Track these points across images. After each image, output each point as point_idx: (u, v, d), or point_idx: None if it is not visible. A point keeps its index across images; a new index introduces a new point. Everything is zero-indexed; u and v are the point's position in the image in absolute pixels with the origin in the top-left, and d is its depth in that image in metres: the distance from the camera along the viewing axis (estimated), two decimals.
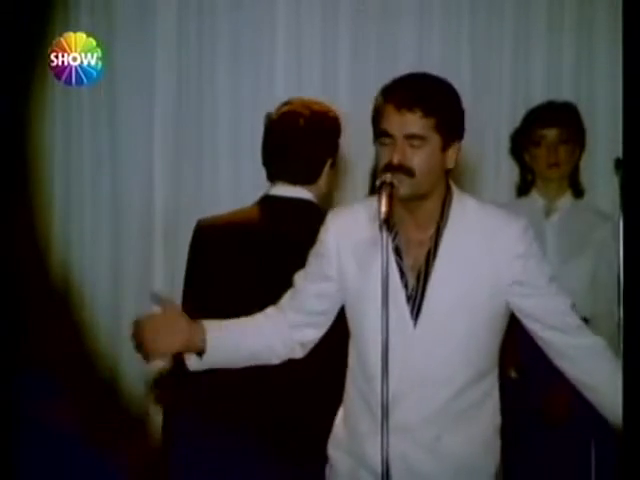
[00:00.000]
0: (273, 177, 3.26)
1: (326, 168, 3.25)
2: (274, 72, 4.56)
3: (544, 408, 3.83)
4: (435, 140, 2.68)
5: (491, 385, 2.80)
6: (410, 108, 2.65)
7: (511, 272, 2.72)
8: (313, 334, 2.89)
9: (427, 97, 2.67)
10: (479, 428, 2.77)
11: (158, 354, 2.77)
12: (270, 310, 2.89)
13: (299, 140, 3.19)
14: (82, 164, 4.57)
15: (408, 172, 2.65)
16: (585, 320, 3.87)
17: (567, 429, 3.85)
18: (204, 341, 2.77)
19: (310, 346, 2.91)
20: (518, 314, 2.78)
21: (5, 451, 3.30)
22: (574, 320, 2.82)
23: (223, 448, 3.13)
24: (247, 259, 3.16)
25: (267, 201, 3.25)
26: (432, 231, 2.75)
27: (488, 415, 2.80)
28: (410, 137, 2.66)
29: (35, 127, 4.41)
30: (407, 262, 2.75)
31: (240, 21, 4.55)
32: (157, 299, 2.76)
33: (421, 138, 2.66)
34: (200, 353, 2.79)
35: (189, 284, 3.26)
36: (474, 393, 2.75)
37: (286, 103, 3.28)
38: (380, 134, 2.69)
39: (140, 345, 2.73)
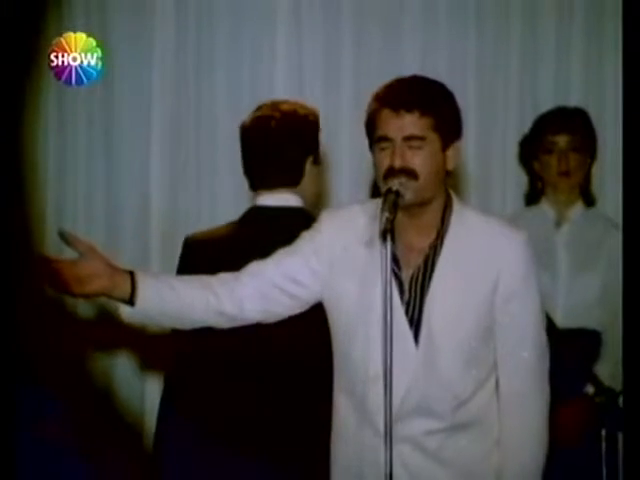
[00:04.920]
0: (255, 187, 3.23)
1: (307, 167, 3.19)
2: (274, 76, 4.51)
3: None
4: (434, 140, 2.66)
5: (489, 396, 2.75)
6: (408, 109, 2.63)
7: (506, 287, 2.69)
8: (266, 309, 2.79)
9: (423, 97, 2.65)
10: (479, 438, 2.74)
11: (79, 296, 2.63)
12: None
13: (272, 143, 3.16)
14: (76, 168, 4.52)
15: (411, 174, 2.62)
16: (596, 333, 3.86)
17: (577, 452, 3.76)
18: (134, 288, 2.63)
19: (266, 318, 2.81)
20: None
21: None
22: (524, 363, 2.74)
23: (216, 454, 3.11)
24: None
25: (254, 212, 3.21)
26: (432, 238, 2.72)
27: (488, 426, 2.75)
28: (409, 139, 2.63)
29: (28, 130, 4.36)
30: (404, 270, 2.71)
31: (240, 22, 4.50)
32: (68, 239, 2.62)
33: (420, 139, 2.64)
34: (132, 302, 2.64)
35: None
36: (474, 405, 2.72)
37: (257, 109, 3.25)
38: (378, 140, 2.67)
39: (57, 287, 2.59)
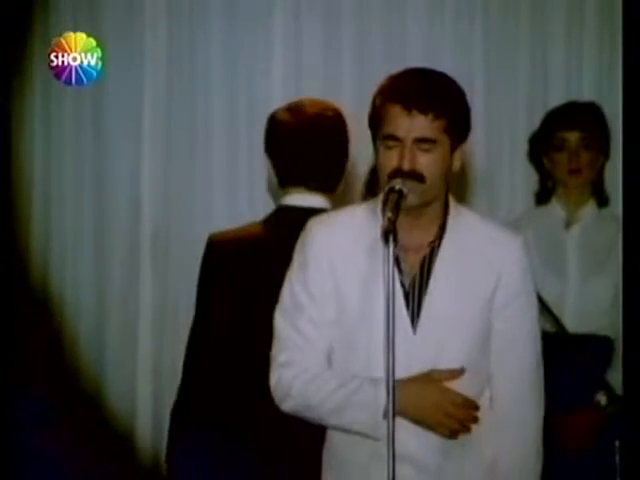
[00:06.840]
0: (288, 183, 3.15)
1: (345, 173, 3.16)
2: (272, 74, 4.45)
3: (560, 432, 3.67)
4: (445, 143, 2.60)
5: (485, 408, 2.68)
6: (421, 110, 2.55)
7: (505, 292, 2.66)
8: None
9: (437, 97, 2.57)
10: (476, 453, 2.68)
11: None
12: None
13: (325, 144, 3.10)
14: (64, 168, 4.48)
15: (419, 178, 2.57)
16: (608, 339, 3.79)
17: (587, 457, 3.72)
18: None
19: None
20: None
21: None
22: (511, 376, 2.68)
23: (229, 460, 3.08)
24: (264, 275, 3.05)
25: (282, 212, 3.15)
26: (432, 236, 2.67)
27: (485, 440, 2.68)
28: (420, 141, 2.57)
29: (14, 129, 4.33)
30: (404, 269, 2.66)
31: (235, 20, 4.44)
32: None
33: (432, 141, 2.57)
34: None
35: (203, 303, 3.14)
36: None
37: (298, 102, 3.16)
38: (385, 137, 2.59)
39: None
